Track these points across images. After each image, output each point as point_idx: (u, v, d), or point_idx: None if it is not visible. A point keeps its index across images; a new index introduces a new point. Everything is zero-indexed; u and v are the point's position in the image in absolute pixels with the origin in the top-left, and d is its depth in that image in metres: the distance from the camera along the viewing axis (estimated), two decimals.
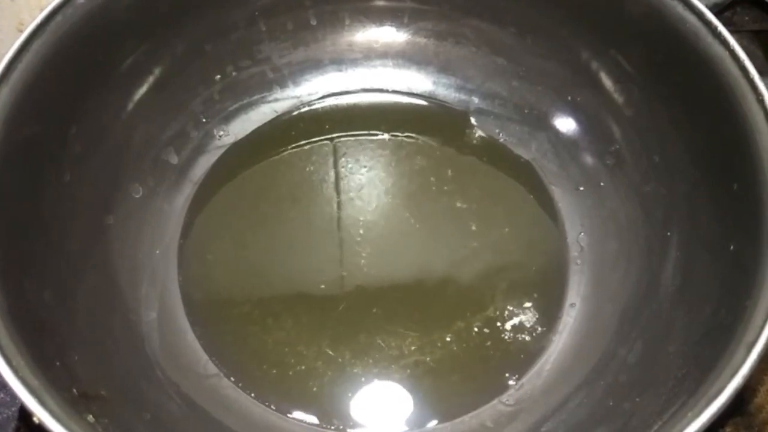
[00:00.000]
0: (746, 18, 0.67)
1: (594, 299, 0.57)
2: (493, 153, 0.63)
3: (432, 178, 0.62)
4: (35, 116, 0.48)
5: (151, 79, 0.59)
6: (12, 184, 0.46)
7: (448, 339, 0.55)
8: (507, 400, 0.53)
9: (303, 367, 0.54)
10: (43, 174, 0.49)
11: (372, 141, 0.64)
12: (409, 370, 0.54)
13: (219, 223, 0.60)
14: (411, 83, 0.66)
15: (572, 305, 0.57)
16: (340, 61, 0.66)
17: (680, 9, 0.49)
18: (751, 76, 0.46)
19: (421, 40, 0.66)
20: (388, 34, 0.66)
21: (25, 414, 0.50)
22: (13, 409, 0.51)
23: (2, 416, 0.51)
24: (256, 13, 0.62)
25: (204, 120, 0.63)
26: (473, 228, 0.60)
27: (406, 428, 0.52)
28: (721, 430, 0.51)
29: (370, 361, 0.54)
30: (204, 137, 0.63)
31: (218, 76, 0.63)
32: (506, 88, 0.63)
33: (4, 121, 0.45)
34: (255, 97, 0.65)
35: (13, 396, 0.50)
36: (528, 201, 0.61)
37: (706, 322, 0.46)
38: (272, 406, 0.52)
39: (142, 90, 0.58)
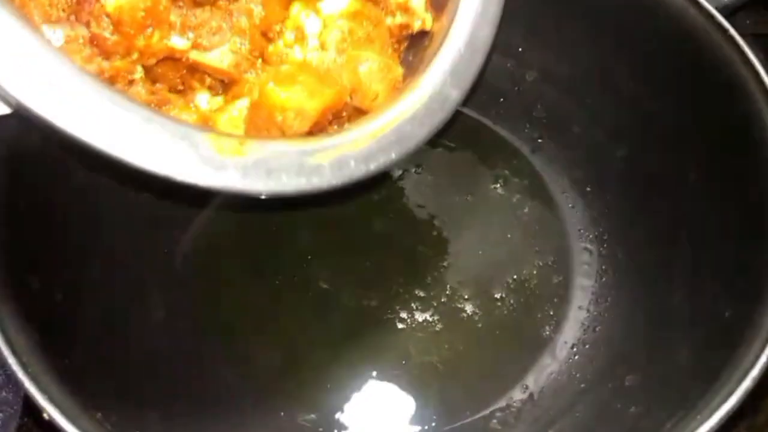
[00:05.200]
0: (747, 21, 0.67)
1: (602, 302, 0.57)
2: (501, 154, 0.63)
3: (437, 179, 0.62)
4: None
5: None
6: (24, 189, 0.46)
7: (455, 341, 0.55)
8: (514, 402, 0.53)
9: (312, 368, 0.54)
10: (54, 179, 0.49)
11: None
12: (416, 371, 0.54)
13: (227, 222, 0.60)
14: None
15: (580, 308, 0.57)
16: None
17: (691, 11, 0.49)
18: (762, 78, 0.46)
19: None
20: None
21: (32, 411, 0.49)
22: (15, 407, 0.51)
23: (6, 414, 0.50)
24: None
25: None
26: (479, 230, 0.60)
27: (413, 428, 0.52)
28: None
29: (378, 362, 0.54)
30: None
31: None
32: (515, 90, 0.63)
33: (19, 132, 0.45)
34: None
35: (17, 394, 0.50)
36: (536, 203, 0.61)
37: (713, 325, 0.46)
38: (280, 406, 0.52)
39: None
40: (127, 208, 0.55)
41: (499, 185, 0.62)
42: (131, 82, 0.39)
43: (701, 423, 0.38)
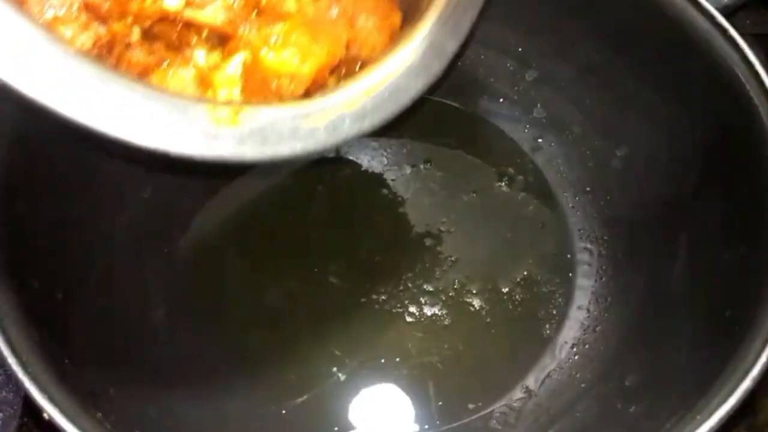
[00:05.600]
0: (747, 21, 0.67)
1: (602, 302, 0.57)
2: (503, 153, 0.63)
3: (445, 175, 0.62)
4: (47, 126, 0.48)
5: None
6: (24, 189, 0.46)
7: (455, 341, 0.55)
8: (514, 402, 0.53)
9: (312, 368, 0.54)
10: (54, 179, 0.49)
11: (378, 142, 0.64)
12: (416, 371, 0.54)
13: (230, 221, 0.60)
14: None
15: (580, 308, 0.57)
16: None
17: (691, 11, 0.49)
18: (762, 78, 0.46)
19: None
20: None
21: (32, 411, 0.49)
22: (15, 407, 0.51)
23: (5, 414, 0.50)
24: None
25: None
26: (482, 230, 0.60)
27: (413, 428, 0.52)
28: None
29: (377, 361, 0.54)
30: None
31: None
32: (515, 89, 0.63)
33: (17, 131, 0.45)
34: None
35: (17, 394, 0.50)
36: (537, 202, 0.61)
37: (713, 324, 0.46)
38: (279, 407, 0.52)
39: None
40: (127, 208, 0.55)
41: (503, 184, 0.62)
42: (129, 46, 0.39)
43: (701, 423, 0.38)
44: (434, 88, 0.44)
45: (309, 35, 0.41)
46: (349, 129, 0.40)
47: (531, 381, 0.54)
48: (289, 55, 0.40)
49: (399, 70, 0.41)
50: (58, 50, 0.33)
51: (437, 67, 0.43)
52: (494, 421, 0.52)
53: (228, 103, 0.38)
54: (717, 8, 0.48)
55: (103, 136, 0.34)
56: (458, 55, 0.45)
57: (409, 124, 0.63)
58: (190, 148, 0.35)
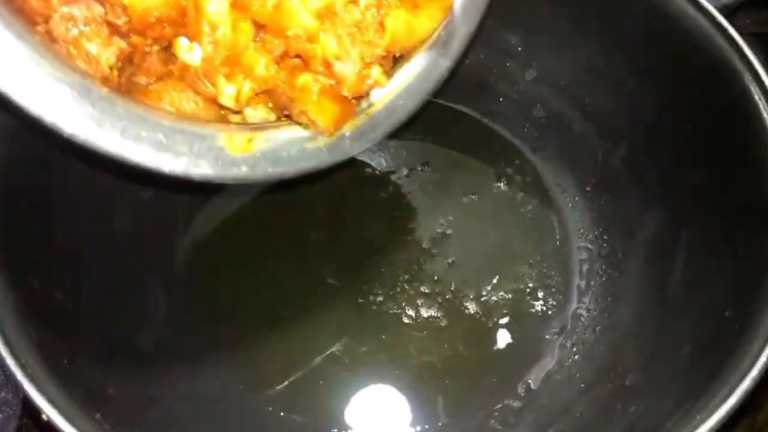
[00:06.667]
0: (747, 20, 0.67)
1: (602, 302, 0.57)
2: (503, 154, 0.63)
3: (443, 177, 0.62)
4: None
5: None
6: (24, 189, 0.46)
7: (455, 341, 0.55)
8: (513, 402, 0.53)
9: (311, 368, 0.54)
10: (54, 179, 0.49)
11: (375, 145, 0.63)
12: (415, 371, 0.54)
13: (229, 222, 0.60)
14: None
15: (580, 308, 0.57)
16: None
17: (691, 11, 0.49)
18: (762, 78, 0.46)
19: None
20: None
21: (32, 411, 0.49)
22: (15, 407, 0.51)
23: (5, 414, 0.50)
24: None
25: None
26: (482, 228, 0.60)
27: (412, 428, 0.52)
28: None
29: (377, 361, 0.54)
30: None
31: None
32: (514, 89, 0.63)
33: (18, 130, 0.45)
34: None
35: (16, 394, 0.50)
36: (537, 202, 0.61)
37: (713, 324, 0.46)
38: (278, 407, 0.52)
39: None
40: (127, 208, 0.55)
41: (501, 185, 0.62)
42: (146, 54, 0.41)
43: (701, 423, 0.38)
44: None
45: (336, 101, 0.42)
46: (349, 148, 0.44)
47: (531, 381, 0.54)
48: (322, 113, 0.41)
49: (397, 90, 0.45)
50: (93, 92, 0.36)
51: (431, 86, 0.46)
52: (494, 421, 0.52)
53: (242, 126, 0.42)
54: (717, 8, 0.48)
55: (134, 165, 0.38)
56: (453, 73, 0.47)
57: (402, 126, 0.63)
58: (210, 172, 0.39)
